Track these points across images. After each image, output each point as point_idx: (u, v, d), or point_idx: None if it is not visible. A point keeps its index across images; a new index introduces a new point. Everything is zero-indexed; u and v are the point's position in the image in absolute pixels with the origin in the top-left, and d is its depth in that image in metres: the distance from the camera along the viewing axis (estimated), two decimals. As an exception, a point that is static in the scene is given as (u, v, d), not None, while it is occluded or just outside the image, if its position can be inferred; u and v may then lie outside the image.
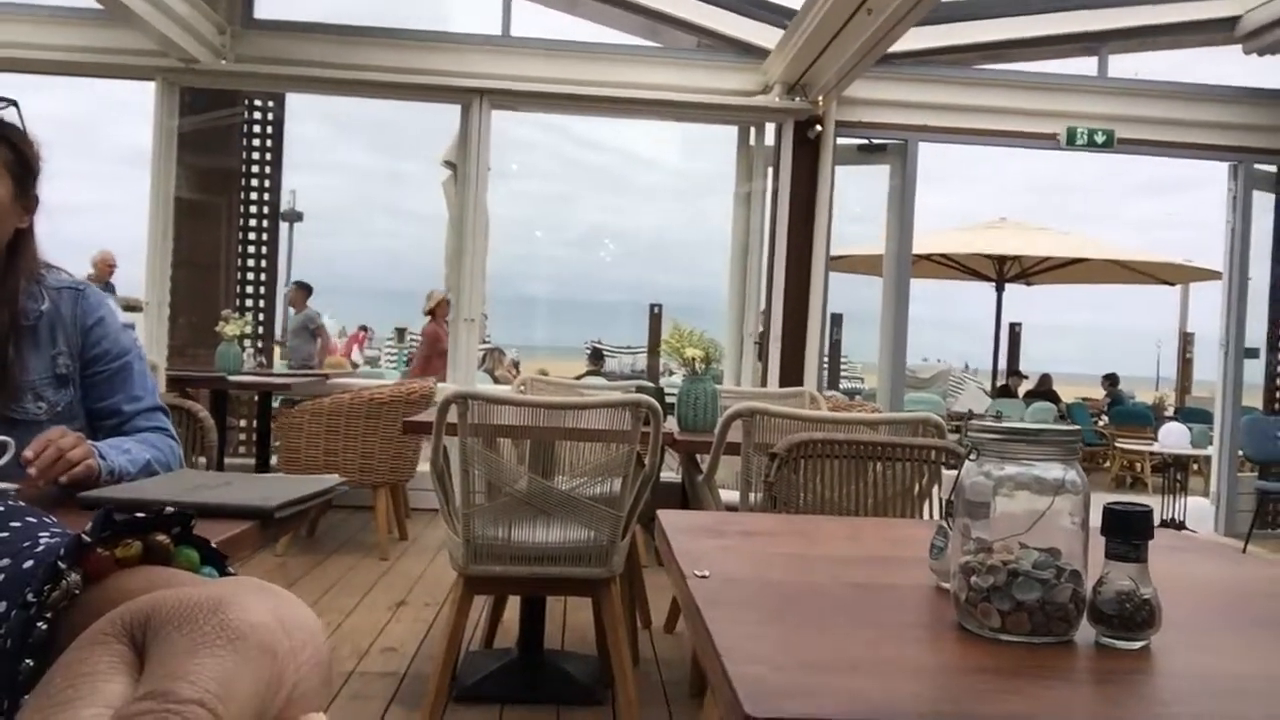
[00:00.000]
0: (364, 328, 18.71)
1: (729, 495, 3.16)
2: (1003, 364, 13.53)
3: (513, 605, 3.55)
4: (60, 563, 0.35)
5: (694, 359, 3.25)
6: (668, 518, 1.42)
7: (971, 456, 0.96)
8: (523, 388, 4.13)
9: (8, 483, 1.35)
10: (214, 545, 0.40)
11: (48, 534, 0.42)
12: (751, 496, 2.75)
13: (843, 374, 15.89)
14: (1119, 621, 0.93)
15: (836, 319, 14.88)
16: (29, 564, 0.38)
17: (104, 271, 8.51)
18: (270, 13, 6.30)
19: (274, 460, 5.06)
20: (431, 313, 8.37)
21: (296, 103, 7.17)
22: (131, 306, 6.39)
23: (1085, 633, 0.96)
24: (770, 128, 6.51)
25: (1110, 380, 13.69)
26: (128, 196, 6.26)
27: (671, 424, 3.44)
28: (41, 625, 0.35)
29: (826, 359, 15.28)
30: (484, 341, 12.74)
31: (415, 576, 4.61)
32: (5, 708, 0.33)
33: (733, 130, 6.76)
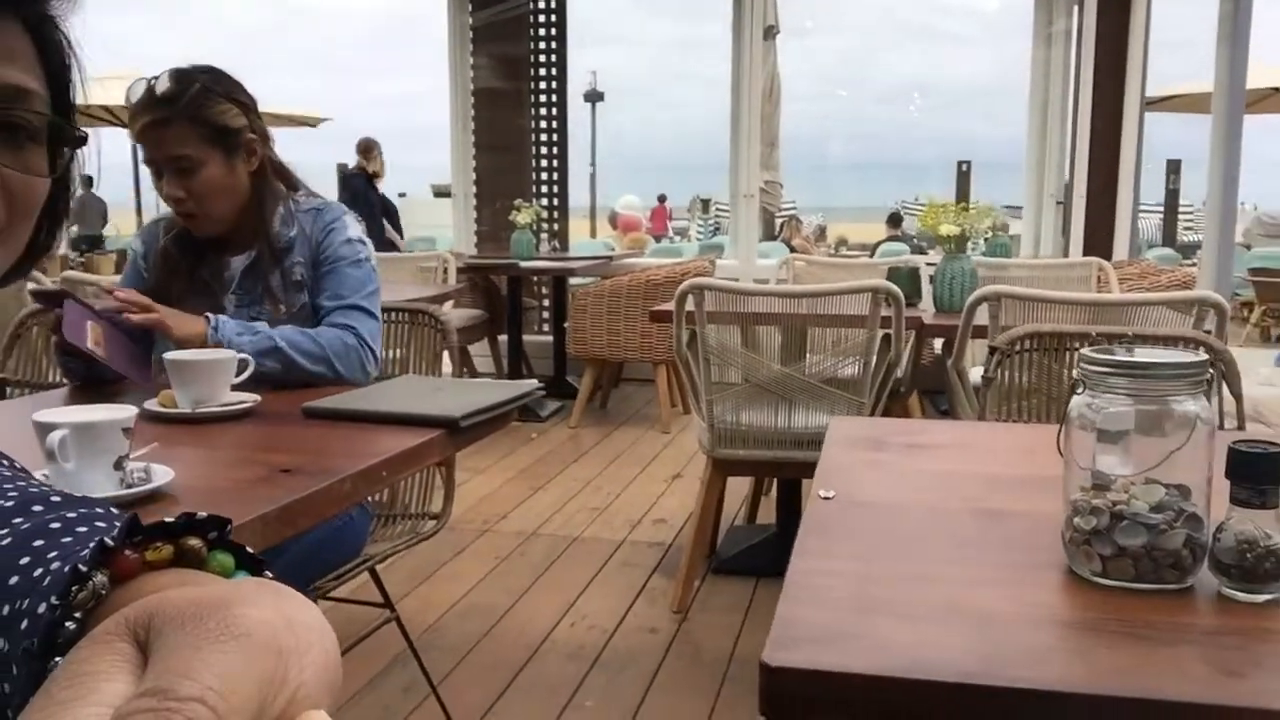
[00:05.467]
0: (662, 198, 19.12)
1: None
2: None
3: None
4: (82, 565, 0.36)
5: (949, 237, 3.08)
6: (838, 425, 1.41)
7: (1079, 390, 0.88)
8: (784, 268, 4.10)
9: (251, 394, 1.57)
10: (249, 551, 0.39)
11: (87, 528, 0.44)
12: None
13: (1183, 226, 14.30)
14: (1239, 572, 0.83)
15: (1174, 165, 13.37)
16: (62, 565, 0.40)
17: None
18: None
19: (567, 340, 5.40)
20: None
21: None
22: (442, 193, 6.78)
23: (1209, 583, 0.87)
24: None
25: None
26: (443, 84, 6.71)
27: (928, 305, 3.33)
28: (70, 625, 0.36)
29: (1162, 211, 13.80)
30: (781, 210, 12.59)
31: (692, 451, 4.80)
32: None
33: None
